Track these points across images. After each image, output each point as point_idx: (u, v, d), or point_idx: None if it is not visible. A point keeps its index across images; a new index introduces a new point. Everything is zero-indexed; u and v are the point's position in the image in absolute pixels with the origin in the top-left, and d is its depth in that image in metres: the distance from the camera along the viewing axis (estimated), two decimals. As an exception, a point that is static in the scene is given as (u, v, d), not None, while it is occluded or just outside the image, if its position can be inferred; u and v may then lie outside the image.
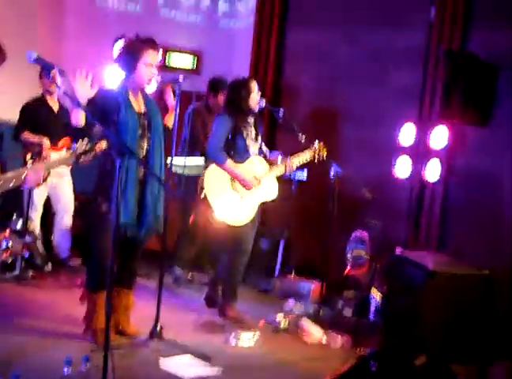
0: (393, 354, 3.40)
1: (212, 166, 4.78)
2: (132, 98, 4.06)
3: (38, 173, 3.12)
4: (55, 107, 6.01)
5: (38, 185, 5.62)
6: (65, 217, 6.07)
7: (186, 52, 7.24)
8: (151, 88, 4.29)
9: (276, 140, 6.93)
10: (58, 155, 5.72)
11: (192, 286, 5.90)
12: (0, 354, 3.77)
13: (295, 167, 5.08)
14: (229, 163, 4.75)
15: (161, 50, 4.17)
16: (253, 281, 6.03)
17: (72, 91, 3.26)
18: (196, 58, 7.30)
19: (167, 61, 6.94)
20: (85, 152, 3.48)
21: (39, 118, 5.87)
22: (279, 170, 5.02)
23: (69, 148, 5.85)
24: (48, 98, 5.97)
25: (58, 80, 3.41)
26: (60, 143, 5.89)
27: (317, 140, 5.20)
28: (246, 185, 4.78)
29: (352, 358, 3.92)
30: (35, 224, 5.94)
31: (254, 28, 7.25)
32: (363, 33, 6.82)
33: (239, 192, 4.81)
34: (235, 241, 4.84)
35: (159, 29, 6.88)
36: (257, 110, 4.95)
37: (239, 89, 4.86)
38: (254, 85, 4.86)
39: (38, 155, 5.74)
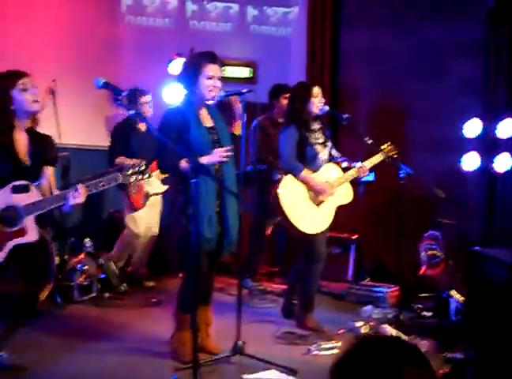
0: (490, 362, 3.27)
1: (287, 178, 4.76)
2: (199, 112, 4.07)
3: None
4: (143, 129, 6.06)
5: (141, 207, 5.67)
6: (149, 239, 6.15)
7: (241, 65, 7.26)
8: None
9: (340, 144, 6.86)
10: (155, 175, 5.82)
11: (265, 297, 5.87)
12: (87, 376, 3.80)
13: (367, 171, 5.00)
14: (305, 173, 4.72)
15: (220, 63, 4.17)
16: (326, 288, 5.97)
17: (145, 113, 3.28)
18: (252, 69, 7.30)
19: (223, 72, 6.94)
20: (138, 173, 3.57)
21: (129, 139, 5.91)
22: (351, 174, 4.96)
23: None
24: (136, 120, 6.04)
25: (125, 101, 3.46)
26: (153, 164, 5.98)
27: (388, 143, 5.12)
28: (322, 194, 4.75)
29: (440, 364, 3.80)
30: (138, 250, 6.06)
31: (307, 33, 7.22)
32: (418, 28, 6.72)
33: (315, 201, 4.78)
34: (310, 249, 4.80)
35: (212, 42, 6.94)
36: (319, 115, 4.90)
37: (300, 96, 4.84)
38: (316, 90, 4.82)
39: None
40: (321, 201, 4.80)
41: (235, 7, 7.50)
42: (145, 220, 6.06)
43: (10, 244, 3.35)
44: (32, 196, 3.39)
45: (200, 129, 4.00)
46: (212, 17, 7.54)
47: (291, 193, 4.75)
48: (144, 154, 5.88)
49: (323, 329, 4.78)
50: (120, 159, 5.88)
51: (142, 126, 6.03)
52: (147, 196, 5.97)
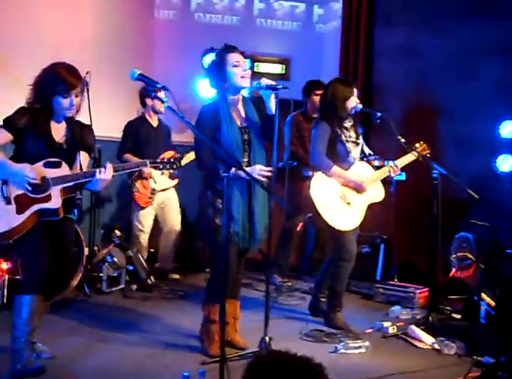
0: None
1: (318, 175, 4.73)
2: (233, 110, 4.06)
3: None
4: (155, 123, 6.15)
5: (146, 206, 5.88)
6: (172, 234, 6.18)
7: (274, 61, 7.24)
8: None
9: (371, 142, 6.80)
10: (159, 173, 5.88)
11: (293, 294, 5.85)
12: (115, 367, 3.82)
13: (399, 170, 4.95)
14: (336, 169, 4.68)
15: (242, 55, 4.15)
16: (354, 287, 5.93)
17: (176, 107, 3.28)
18: (284, 65, 7.28)
19: (255, 68, 6.94)
20: (170, 163, 3.75)
21: (141, 134, 6.04)
22: (383, 172, 4.92)
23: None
24: (147, 115, 6.13)
25: (163, 95, 3.48)
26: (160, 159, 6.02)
27: (421, 142, 5.06)
28: (357, 187, 4.71)
29: (470, 367, 3.74)
30: (143, 245, 6.09)
31: (341, 31, 7.18)
32: (451, 27, 6.63)
33: (346, 198, 4.75)
34: (341, 247, 4.77)
35: (247, 38, 6.94)
36: (353, 113, 4.86)
37: (340, 92, 4.78)
38: (354, 89, 4.78)
39: (139, 177, 5.92)
40: (353, 199, 4.76)
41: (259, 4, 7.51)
42: (152, 218, 6.10)
43: (34, 207, 3.54)
44: (62, 171, 3.61)
45: (231, 128, 3.97)
46: (244, 12, 7.55)
47: (322, 190, 4.72)
48: (155, 148, 5.96)
49: (350, 328, 4.75)
50: (127, 156, 5.95)
51: (154, 121, 6.11)
52: (153, 193, 6.02)
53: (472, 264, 5.65)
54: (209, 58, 6.64)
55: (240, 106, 4.11)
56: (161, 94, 3.54)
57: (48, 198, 3.57)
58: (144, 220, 6.07)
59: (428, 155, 5.04)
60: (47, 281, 3.60)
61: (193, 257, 6.64)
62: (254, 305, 5.10)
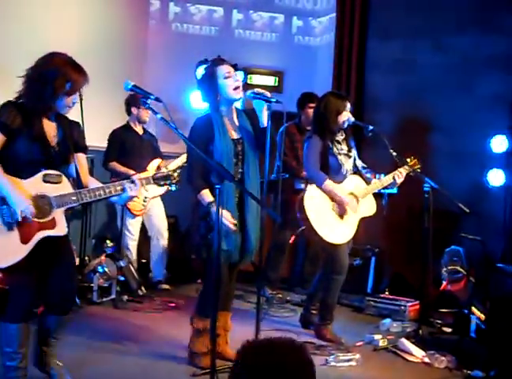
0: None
1: (312, 188, 4.74)
2: (226, 122, 4.06)
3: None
4: (140, 132, 6.20)
5: (139, 214, 5.82)
6: (161, 241, 6.20)
7: (267, 73, 7.28)
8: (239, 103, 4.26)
9: (363, 156, 6.83)
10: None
11: (284, 306, 5.85)
12: (102, 377, 3.80)
13: (398, 182, 4.96)
14: (328, 183, 4.70)
15: (235, 67, 4.16)
16: (345, 299, 5.93)
17: (170, 118, 3.28)
18: (277, 77, 7.32)
19: (249, 80, 6.97)
20: (166, 177, 3.60)
21: (126, 142, 6.08)
22: (375, 186, 4.94)
23: (158, 169, 6.02)
24: (132, 124, 6.17)
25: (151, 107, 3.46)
26: (149, 166, 6.06)
27: (411, 157, 5.08)
28: (344, 206, 4.72)
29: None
30: (132, 252, 6.10)
31: (334, 43, 7.22)
32: (447, 40, 6.69)
33: (338, 212, 4.76)
34: (333, 261, 4.77)
35: (239, 50, 6.96)
36: (345, 127, 4.88)
37: (333, 107, 4.78)
38: (347, 103, 4.80)
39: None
40: (345, 212, 4.77)
41: (265, 16, 7.54)
42: (140, 224, 6.14)
43: (39, 235, 3.25)
44: (63, 187, 3.33)
45: (224, 140, 3.96)
46: (241, 26, 7.59)
47: (315, 202, 4.72)
48: (140, 156, 6.01)
49: (341, 341, 4.75)
50: (113, 165, 5.99)
51: (140, 130, 6.15)
52: (145, 201, 6.04)
53: (462, 278, 5.67)
54: (202, 69, 6.67)
55: (234, 117, 4.12)
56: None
57: (52, 224, 3.28)
58: (133, 228, 6.12)
59: (419, 170, 5.06)
60: (63, 300, 3.49)
61: (184, 268, 6.63)
62: (245, 316, 5.09)
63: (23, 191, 3.21)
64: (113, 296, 5.62)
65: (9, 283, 3.44)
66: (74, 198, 3.31)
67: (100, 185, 3.47)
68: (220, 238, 3.36)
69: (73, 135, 3.49)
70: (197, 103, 6.67)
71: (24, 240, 3.22)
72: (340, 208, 4.76)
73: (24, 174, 3.26)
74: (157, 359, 4.20)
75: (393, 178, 4.91)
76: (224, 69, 4.01)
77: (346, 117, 4.79)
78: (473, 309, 4.93)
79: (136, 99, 5.93)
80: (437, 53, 6.72)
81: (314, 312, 5.06)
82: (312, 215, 4.69)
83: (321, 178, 4.71)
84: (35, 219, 3.22)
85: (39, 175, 3.27)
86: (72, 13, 6.75)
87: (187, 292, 6.07)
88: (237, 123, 4.11)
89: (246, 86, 6.90)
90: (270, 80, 7.30)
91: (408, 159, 5.08)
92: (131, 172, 5.93)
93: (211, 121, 4.00)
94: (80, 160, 3.52)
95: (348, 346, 4.66)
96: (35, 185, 3.26)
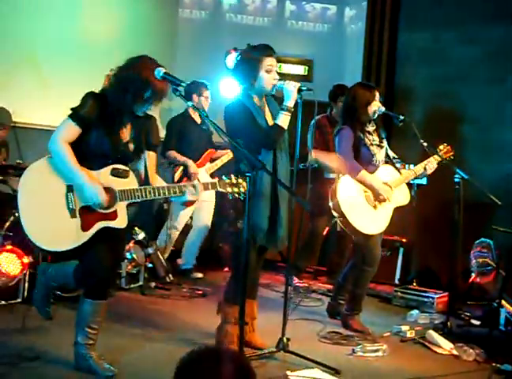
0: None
1: (345, 179, 4.71)
2: (261, 108, 4.05)
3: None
4: (199, 120, 6.19)
5: (189, 205, 5.80)
6: (201, 232, 6.22)
7: (296, 62, 7.24)
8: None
9: (392, 146, 6.77)
10: (203, 170, 5.97)
11: (310, 296, 5.85)
12: (130, 362, 3.83)
13: (429, 172, 4.94)
14: (364, 173, 4.67)
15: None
16: (372, 290, 5.91)
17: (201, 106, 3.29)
18: (307, 67, 7.27)
19: (278, 69, 6.92)
20: (235, 184, 3.59)
21: (184, 131, 6.08)
22: (408, 175, 4.91)
23: (212, 160, 6.04)
24: (191, 112, 6.15)
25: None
26: (202, 157, 6.07)
27: (444, 144, 5.02)
28: (379, 195, 4.69)
29: (490, 374, 3.71)
30: (173, 243, 6.17)
31: (365, 33, 7.16)
32: (477, 31, 6.59)
33: (372, 202, 4.74)
34: (365, 252, 4.76)
35: (269, 38, 6.93)
36: (375, 117, 4.83)
37: (362, 97, 4.74)
38: (376, 94, 4.75)
39: (185, 175, 5.97)
40: (380, 202, 4.74)
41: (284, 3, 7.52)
42: (188, 216, 6.14)
43: (99, 224, 3.34)
44: (130, 183, 3.42)
45: (264, 122, 3.99)
46: (268, 13, 7.56)
47: (349, 193, 4.70)
48: (198, 145, 6.02)
49: (368, 331, 4.73)
50: (171, 153, 6.00)
51: (197, 117, 6.12)
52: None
53: (492, 271, 5.60)
54: (232, 57, 6.67)
55: (265, 105, 4.11)
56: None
57: (114, 215, 3.37)
58: (183, 219, 6.16)
59: (452, 157, 4.99)
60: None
61: (213, 256, 6.66)
62: (271, 305, 5.11)
63: (97, 182, 3.32)
64: (141, 283, 5.66)
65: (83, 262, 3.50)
66: (138, 194, 3.40)
67: (164, 184, 3.58)
68: (250, 225, 3.35)
69: (146, 132, 3.57)
70: (226, 91, 6.67)
71: (86, 228, 3.32)
72: (374, 197, 4.74)
73: (94, 165, 3.37)
74: (184, 346, 4.19)
75: (424, 168, 4.87)
76: (268, 62, 3.98)
77: (376, 107, 4.75)
78: (503, 302, 4.88)
79: (198, 86, 5.92)
80: (467, 43, 6.63)
81: (341, 302, 5.06)
82: (345, 205, 4.65)
83: (357, 168, 4.68)
84: (100, 210, 3.33)
85: (108, 168, 3.39)
86: (101, 0, 6.80)
87: (214, 280, 6.10)
88: (269, 110, 4.10)
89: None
90: (300, 69, 7.26)
91: (441, 146, 5.01)
92: (189, 161, 5.97)
93: (246, 105, 3.99)
94: (151, 158, 3.62)
95: (375, 336, 4.65)
96: (103, 177, 3.36)
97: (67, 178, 3.32)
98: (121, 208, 3.39)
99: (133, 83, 3.31)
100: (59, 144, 3.30)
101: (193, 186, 3.49)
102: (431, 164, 4.89)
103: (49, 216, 3.30)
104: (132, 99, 3.34)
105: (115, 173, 3.39)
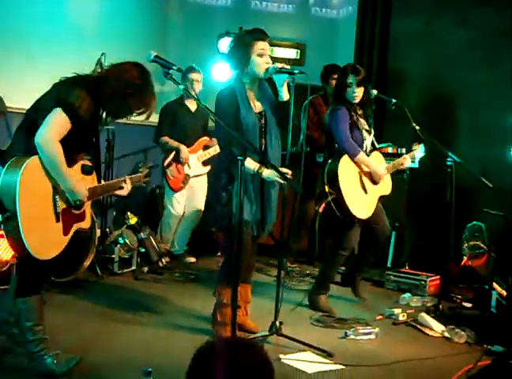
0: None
1: (344, 160, 4.70)
2: (250, 95, 4.03)
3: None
4: (193, 108, 6.13)
5: (178, 190, 5.75)
6: (194, 217, 6.21)
7: (289, 46, 7.19)
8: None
9: (385, 130, 6.77)
10: (195, 157, 5.94)
11: (304, 279, 5.85)
12: (123, 347, 3.84)
13: (408, 164, 5.02)
14: (362, 155, 4.70)
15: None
16: (365, 273, 5.91)
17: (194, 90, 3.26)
18: (299, 50, 7.23)
19: (270, 52, 6.90)
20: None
21: (178, 118, 6.04)
22: (399, 163, 4.94)
23: (205, 148, 6.02)
24: (186, 99, 6.11)
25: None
26: (195, 144, 6.05)
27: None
28: (377, 177, 4.71)
29: (481, 356, 3.74)
30: (172, 230, 6.20)
31: (357, 16, 7.13)
32: (470, 14, 6.56)
33: (364, 186, 4.76)
34: (344, 236, 4.83)
35: (261, 22, 6.89)
36: (356, 102, 4.79)
37: (339, 81, 4.84)
38: (350, 80, 4.72)
39: (175, 160, 5.94)
40: (369, 187, 4.77)
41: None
42: (185, 202, 6.14)
43: (74, 227, 3.21)
44: (93, 179, 3.32)
45: (249, 114, 3.95)
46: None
47: (348, 174, 4.70)
48: (192, 133, 5.99)
49: (333, 312, 4.78)
50: (163, 139, 5.98)
51: (192, 105, 6.08)
52: (187, 178, 6.04)
53: (484, 253, 5.64)
54: (225, 41, 6.64)
55: (256, 90, 4.08)
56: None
57: (83, 216, 3.25)
58: (177, 203, 6.14)
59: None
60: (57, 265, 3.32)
61: (205, 240, 6.66)
62: (264, 289, 5.12)
63: (82, 185, 3.19)
64: (133, 267, 5.66)
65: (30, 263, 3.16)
66: (99, 191, 3.34)
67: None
68: (240, 209, 3.34)
69: None
70: (218, 76, 6.64)
71: (66, 232, 3.16)
72: (367, 181, 4.77)
73: (67, 160, 3.12)
74: (176, 330, 4.23)
75: (401, 163, 4.94)
76: (260, 46, 3.95)
77: (352, 93, 4.73)
78: (494, 284, 4.91)
79: (187, 69, 5.87)
80: (460, 27, 6.61)
81: (358, 277, 5.23)
82: (345, 186, 4.65)
83: (356, 149, 4.68)
84: (75, 211, 3.20)
85: (79, 165, 3.25)
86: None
87: (207, 265, 6.11)
88: (260, 95, 4.08)
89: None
90: (292, 53, 7.22)
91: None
92: (182, 146, 5.95)
93: (235, 93, 3.97)
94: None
95: (367, 319, 4.67)
96: (77, 174, 3.23)
97: (54, 180, 3.08)
98: (88, 207, 3.30)
99: (131, 92, 3.17)
100: (52, 144, 3.01)
101: (125, 181, 3.46)
102: (405, 161, 4.96)
103: (41, 222, 3.04)
104: (128, 110, 3.21)
105: (85, 170, 3.26)
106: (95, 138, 3.32)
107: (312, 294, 4.95)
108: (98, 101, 3.16)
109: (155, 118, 6.56)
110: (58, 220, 3.10)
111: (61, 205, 3.11)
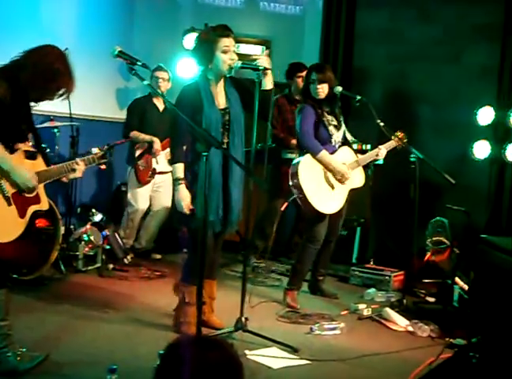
0: (495, 346, 3.26)
1: (306, 157, 4.76)
2: (214, 91, 4.02)
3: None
4: (161, 107, 6.10)
5: (144, 183, 5.63)
6: (161, 215, 6.18)
7: (254, 42, 7.19)
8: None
9: (350, 127, 6.81)
10: (164, 154, 5.90)
11: (269, 276, 5.87)
12: (87, 344, 3.81)
13: (384, 156, 5.06)
14: (324, 153, 4.73)
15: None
16: (331, 269, 5.96)
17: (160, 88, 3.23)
18: (265, 47, 7.23)
19: (235, 49, 6.88)
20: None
21: (146, 114, 6.00)
22: (366, 157, 4.99)
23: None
24: (154, 97, 6.07)
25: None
26: (165, 141, 6.01)
27: (399, 131, 5.10)
28: (338, 177, 4.77)
29: (443, 349, 3.80)
30: (135, 226, 6.14)
31: (322, 13, 7.15)
32: (433, 10, 6.64)
33: (331, 182, 4.81)
34: (311, 230, 4.88)
35: (227, 18, 6.87)
36: (321, 97, 4.85)
37: (306, 76, 4.97)
38: (314, 76, 4.80)
39: (147, 152, 5.89)
40: (337, 182, 4.82)
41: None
42: (150, 199, 6.10)
43: (32, 209, 3.25)
44: (39, 164, 3.33)
45: (212, 109, 3.94)
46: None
47: (310, 172, 4.76)
48: (159, 130, 5.93)
49: (298, 309, 4.80)
50: (134, 133, 5.93)
51: (160, 103, 6.03)
52: (153, 172, 6.01)
53: (446, 249, 5.71)
54: (190, 37, 6.61)
55: (221, 87, 4.08)
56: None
57: (37, 199, 3.29)
58: (141, 197, 6.07)
59: (405, 143, 5.09)
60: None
61: (171, 237, 6.63)
62: (230, 285, 5.12)
63: (24, 166, 3.20)
64: (98, 264, 5.62)
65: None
66: (49, 175, 3.33)
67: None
68: (205, 206, 3.34)
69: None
70: (183, 72, 6.61)
71: (21, 214, 3.21)
72: (333, 178, 4.81)
73: (7, 149, 3.15)
74: (142, 327, 4.21)
75: (376, 154, 4.96)
76: (224, 43, 3.93)
77: (315, 90, 4.80)
78: (457, 279, 4.98)
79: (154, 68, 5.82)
80: (424, 23, 6.69)
81: (321, 278, 5.27)
82: (306, 184, 4.71)
83: (317, 147, 4.72)
84: (26, 195, 3.23)
85: (21, 151, 3.24)
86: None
87: (174, 262, 6.08)
88: (224, 92, 4.08)
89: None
90: (258, 50, 7.22)
91: (398, 133, 5.10)
92: (155, 138, 5.90)
93: (199, 89, 3.96)
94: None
95: (332, 315, 4.70)
96: (19, 160, 3.22)
97: None
98: (41, 190, 3.32)
99: (54, 75, 3.19)
100: None
101: (77, 163, 3.44)
102: (380, 152, 5.00)
103: None
104: (54, 91, 3.23)
105: (28, 155, 3.27)
106: (27, 125, 3.33)
107: (284, 289, 4.99)
108: (18, 87, 3.16)
109: (119, 114, 6.54)
110: (9, 204, 3.16)
111: (9, 190, 3.15)
